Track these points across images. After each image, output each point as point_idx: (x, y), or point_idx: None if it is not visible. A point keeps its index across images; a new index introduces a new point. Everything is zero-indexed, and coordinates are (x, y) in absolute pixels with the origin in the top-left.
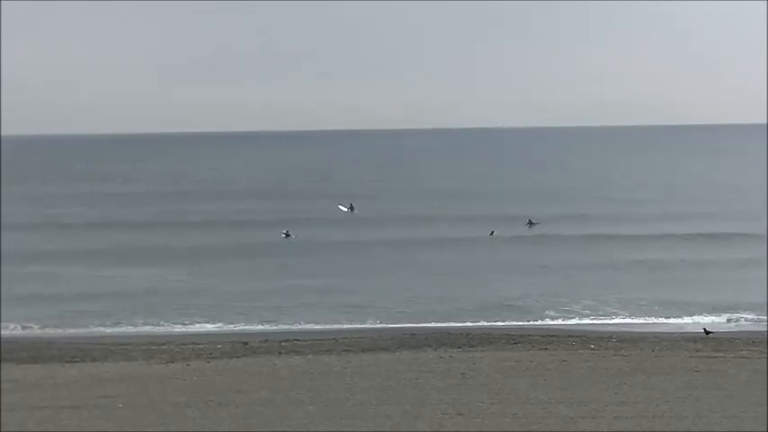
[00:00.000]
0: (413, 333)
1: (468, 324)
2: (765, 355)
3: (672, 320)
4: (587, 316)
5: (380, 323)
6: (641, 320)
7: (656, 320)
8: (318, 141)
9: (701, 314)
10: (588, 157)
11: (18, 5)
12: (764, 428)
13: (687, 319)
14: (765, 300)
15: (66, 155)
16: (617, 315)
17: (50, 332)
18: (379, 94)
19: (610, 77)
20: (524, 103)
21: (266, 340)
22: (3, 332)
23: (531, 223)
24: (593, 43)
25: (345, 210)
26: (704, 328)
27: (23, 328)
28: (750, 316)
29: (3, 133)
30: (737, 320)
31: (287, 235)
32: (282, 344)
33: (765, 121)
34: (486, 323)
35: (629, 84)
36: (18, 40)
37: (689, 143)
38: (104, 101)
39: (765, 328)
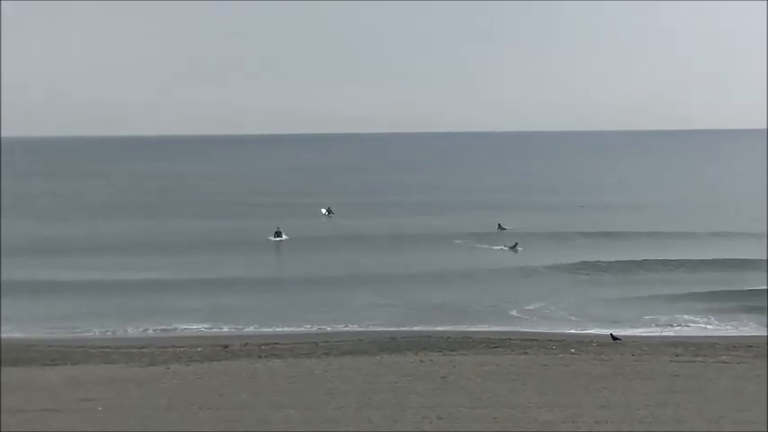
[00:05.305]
0: (393, 337)
1: (449, 328)
2: (745, 361)
3: (652, 327)
4: (567, 321)
5: (361, 327)
6: (621, 326)
7: (633, 329)
8: (307, 145)
9: (678, 322)
10: (585, 163)
11: (16, 6)
12: None
13: (669, 329)
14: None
15: (62, 157)
16: (596, 320)
17: (30, 335)
18: (369, 96)
19: (609, 80)
20: (521, 107)
21: (246, 344)
22: None
23: (500, 228)
24: (592, 45)
25: (324, 213)
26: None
27: (2, 330)
28: (729, 323)
29: (2, 134)
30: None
31: (278, 234)
32: (263, 347)
33: (766, 126)
34: (466, 327)
35: (627, 87)
36: (15, 40)
37: (690, 149)
38: (96, 103)
39: (744, 333)
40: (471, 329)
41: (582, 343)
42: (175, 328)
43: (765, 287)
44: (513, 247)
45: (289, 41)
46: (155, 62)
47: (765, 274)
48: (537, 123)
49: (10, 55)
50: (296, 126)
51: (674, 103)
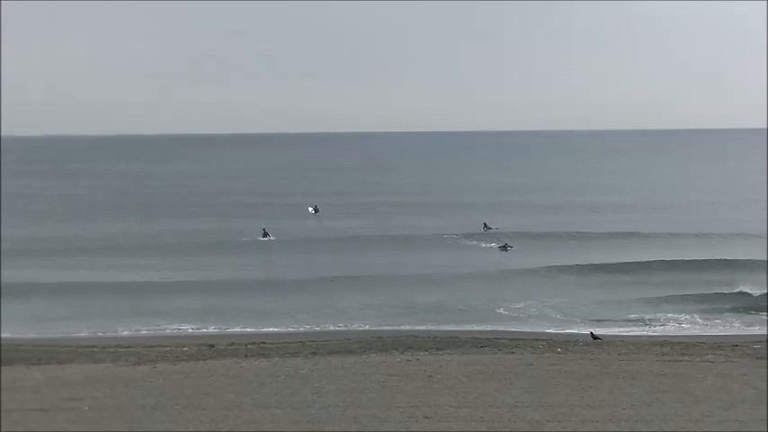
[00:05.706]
0: (380, 336)
1: (436, 327)
2: (731, 360)
3: (639, 327)
4: (554, 320)
5: (348, 326)
6: (607, 325)
7: (620, 328)
8: (307, 144)
9: (664, 322)
10: (583, 163)
11: (16, 6)
12: None
13: (655, 329)
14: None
15: (62, 157)
16: (584, 320)
17: (15, 334)
18: (369, 96)
19: (607, 80)
20: (521, 107)
21: (233, 343)
22: None
23: (486, 227)
24: (590, 45)
25: (311, 211)
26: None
27: None
28: (715, 322)
29: (2, 134)
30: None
31: (264, 235)
32: (249, 346)
33: (766, 126)
34: (453, 327)
35: (627, 86)
36: (15, 40)
37: (690, 149)
38: (96, 103)
39: (730, 333)
40: (458, 329)
41: (568, 342)
42: (162, 328)
43: (759, 287)
44: (504, 247)
45: (289, 41)
46: (155, 62)
47: (759, 275)
48: (537, 123)
49: (10, 55)
50: (296, 126)
51: (674, 103)
